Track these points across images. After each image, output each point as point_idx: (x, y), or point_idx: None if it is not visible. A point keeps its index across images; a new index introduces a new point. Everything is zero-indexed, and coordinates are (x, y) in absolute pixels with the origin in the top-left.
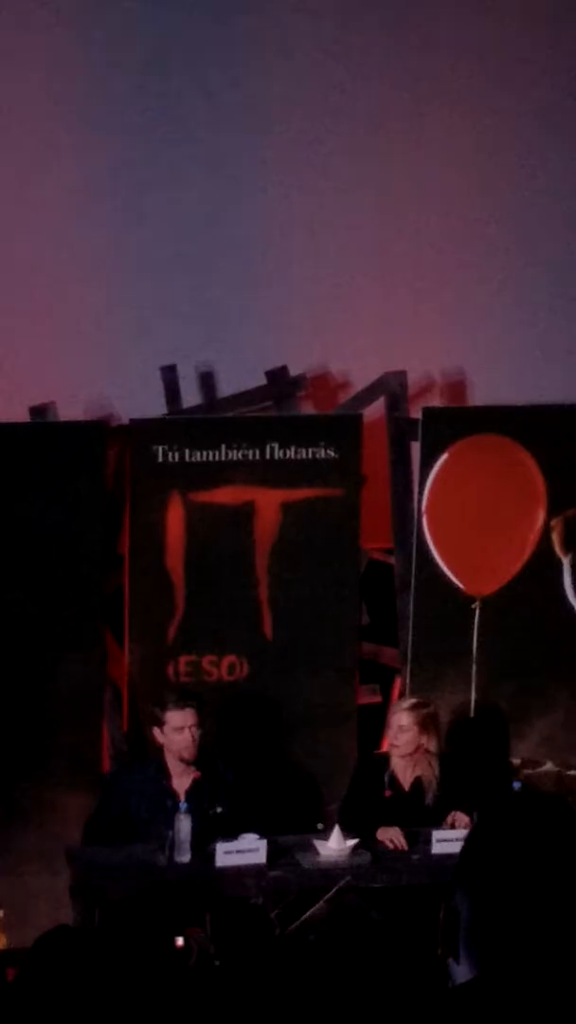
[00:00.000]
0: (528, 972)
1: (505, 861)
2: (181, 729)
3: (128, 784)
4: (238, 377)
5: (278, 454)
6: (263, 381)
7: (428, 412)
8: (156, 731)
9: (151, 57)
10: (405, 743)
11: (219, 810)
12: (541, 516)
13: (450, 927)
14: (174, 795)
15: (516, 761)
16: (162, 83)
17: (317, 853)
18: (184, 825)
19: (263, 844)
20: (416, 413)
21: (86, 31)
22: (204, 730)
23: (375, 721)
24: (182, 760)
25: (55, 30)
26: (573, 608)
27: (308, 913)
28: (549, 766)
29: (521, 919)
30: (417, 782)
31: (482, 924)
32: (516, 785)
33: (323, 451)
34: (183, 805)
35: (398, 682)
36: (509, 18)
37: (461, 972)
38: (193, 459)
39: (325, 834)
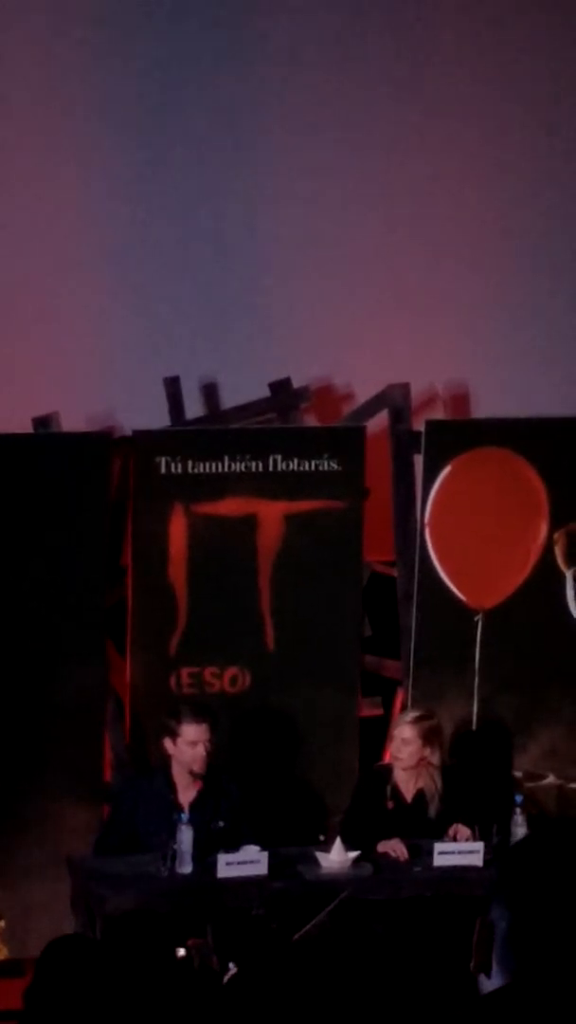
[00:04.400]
0: (563, 985)
1: (548, 879)
2: (195, 744)
3: (134, 798)
4: (241, 389)
5: (281, 466)
6: (266, 393)
7: (431, 424)
8: (168, 742)
9: (154, 71)
10: (408, 756)
11: (221, 824)
12: (544, 529)
13: (485, 941)
14: (180, 808)
15: (518, 774)
16: (166, 95)
17: (319, 865)
18: (185, 836)
19: (264, 856)
20: (419, 425)
21: (87, 41)
22: (214, 745)
23: (377, 733)
24: (191, 773)
25: (54, 41)
26: None
27: (309, 925)
28: (551, 779)
29: (561, 936)
30: (419, 794)
31: (521, 939)
32: (518, 799)
33: (326, 463)
34: (184, 816)
35: (400, 694)
36: (516, 30)
37: (492, 986)
38: (196, 471)
39: (327, 846)
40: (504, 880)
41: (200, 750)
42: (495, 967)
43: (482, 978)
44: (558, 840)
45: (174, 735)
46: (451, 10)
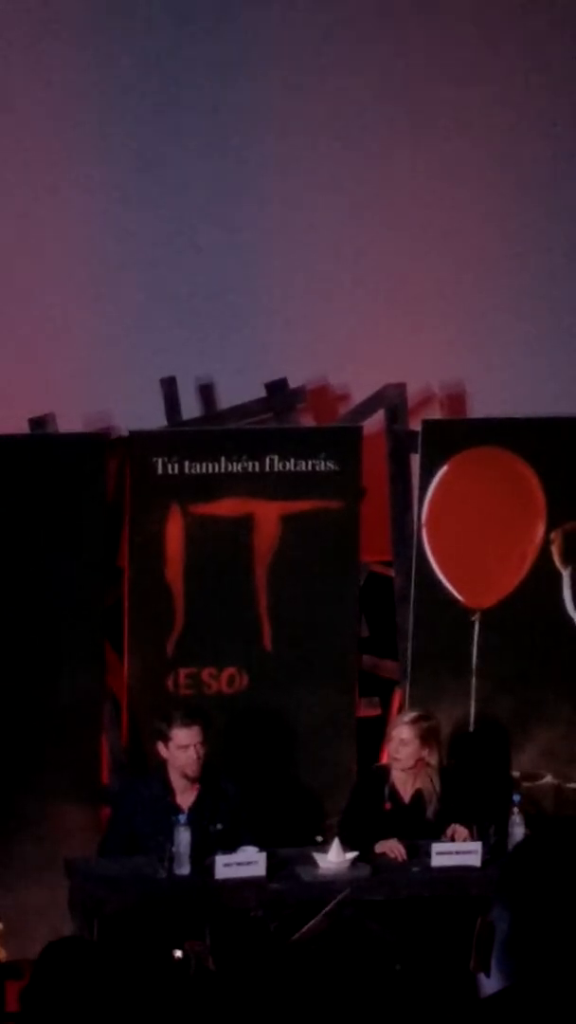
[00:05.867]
0: (562, 988)
1: (550, 880)
2: (186, 747)
3: (132, 802)
4: (238, 389)
5: (277, 466)
6: (263, 393)
7: (428, 424)
8: (161, 746)
9: (151, 72)
10: (406, 756)
11: (219, 827)
12: (541, 529)
13: (485, 941)
14: (178, 810)
15: (516, 774)
16: (164, 97)
17: (316, 866)
18: (183, 837)
19: (262, 857)
20: (416, 425)
21: (85, 48)
22: (208, 747)
23: (375, 733)
24: (185, 777)
25: (50, 49)
26: (573, 621)
27: (307, 926)
28: (549, 779)
29: (561, 939)
30: (417, 795)
31: (521, 940)
32: (516, 798)
33: (323, 463)
34: (182, 817)
35: (398, 695)
36: (511, 35)
37: (491, 986)
38: (193, 471)
39: (325, 847)
40: (505, 880)
41: (192, 753)
42: (494, 968)
43: (481, 978)
44: (560, 841)
45: (166, 739)
46: (449, 14)
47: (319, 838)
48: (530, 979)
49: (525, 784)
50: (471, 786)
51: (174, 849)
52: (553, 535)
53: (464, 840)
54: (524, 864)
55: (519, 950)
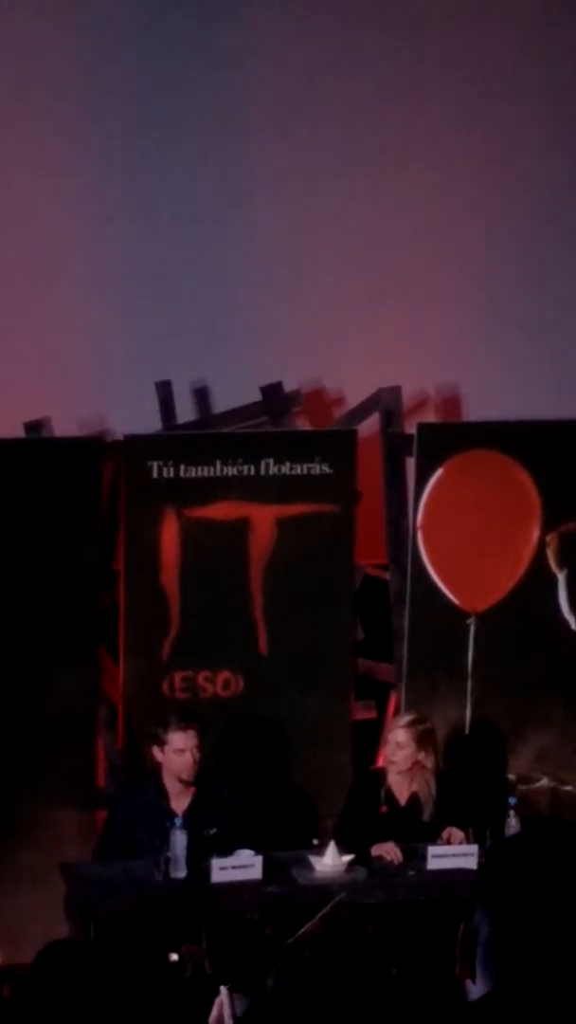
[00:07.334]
0: (545, 990)
1: (528, 882)
2: (182, 751)
3: (127, 807)
4: (233, 393)
5: (273, 470)
6: (258, 397)
7: (423, 428)
8: (156, 750)
9: (148, 78)
10: (402, 759)
11: (214, 831)
12: (536, 531)
13: (468, 946)
14: (173, 815)
15: (511, 777)
16: (156, 103)
17: (313, 869)
18: (179, 840)
19: (259, 860)
20: (411, 428)
21: (80, 44)
22: (203, 751)
23: (370, 737)
24: (181, 781)
25: (52, 44)
26: (568, 623)
27: (303, 929)
28: (544, 782)
29: (542, 940)
30: (413, 798)
31: (502, 943)
32: (512, 801)
33: (318, 467)
34: (178, 820)
35: (393, 698)
36: (505, 34)
37: (477, 991)
38: (188, 475)
39: (321, 850)
40: (484, 884)
41: (188, 757)
42: (478, 972)
43: (468, 982)
44: (539, 843)
45: (162, 743)
46: (444, 19)
47: (315, 841)
48: (513, 982)
49: (521, 787)
50: (467, 789)
51: (169, 853)
52: (548, 538)
53: (460, 843)
54: (502, 867)
55: (501, 952)
